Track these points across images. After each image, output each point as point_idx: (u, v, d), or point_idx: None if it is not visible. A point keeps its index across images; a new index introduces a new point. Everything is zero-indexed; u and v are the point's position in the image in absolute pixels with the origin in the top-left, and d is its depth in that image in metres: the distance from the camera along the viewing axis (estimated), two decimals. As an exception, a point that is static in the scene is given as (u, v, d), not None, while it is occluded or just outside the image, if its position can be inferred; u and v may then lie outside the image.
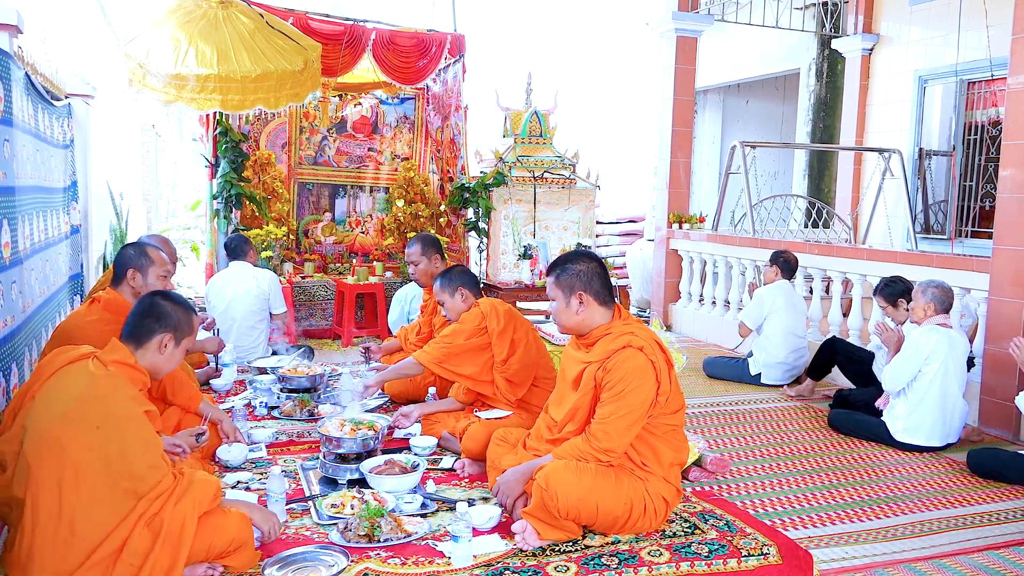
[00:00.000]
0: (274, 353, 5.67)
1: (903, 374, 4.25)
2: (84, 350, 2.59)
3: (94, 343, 2.91)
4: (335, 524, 2.95)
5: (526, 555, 2.80)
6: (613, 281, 7.34)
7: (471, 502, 3.18)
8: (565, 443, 2.98)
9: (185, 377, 3.80)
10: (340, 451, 3.46)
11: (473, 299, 4.12)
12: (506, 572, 2.69)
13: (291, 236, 7.43)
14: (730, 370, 5.81)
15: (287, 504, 3.14)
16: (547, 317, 7.84)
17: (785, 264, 5.72)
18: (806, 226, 8.95)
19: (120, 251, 3.69)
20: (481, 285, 4.40)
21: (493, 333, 3.93)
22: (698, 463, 3.76)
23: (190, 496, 2.44)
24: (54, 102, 4.85)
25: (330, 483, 3.44)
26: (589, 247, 7.69)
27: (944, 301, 4.35)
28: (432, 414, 4.10)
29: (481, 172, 7.72)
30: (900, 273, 5.43)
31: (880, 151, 8.26)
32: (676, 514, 3.20)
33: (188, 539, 2.40)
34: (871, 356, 5.00)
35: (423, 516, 3.10)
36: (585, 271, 3.02)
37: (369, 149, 7.86)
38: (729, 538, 2.99)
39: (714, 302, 7.49)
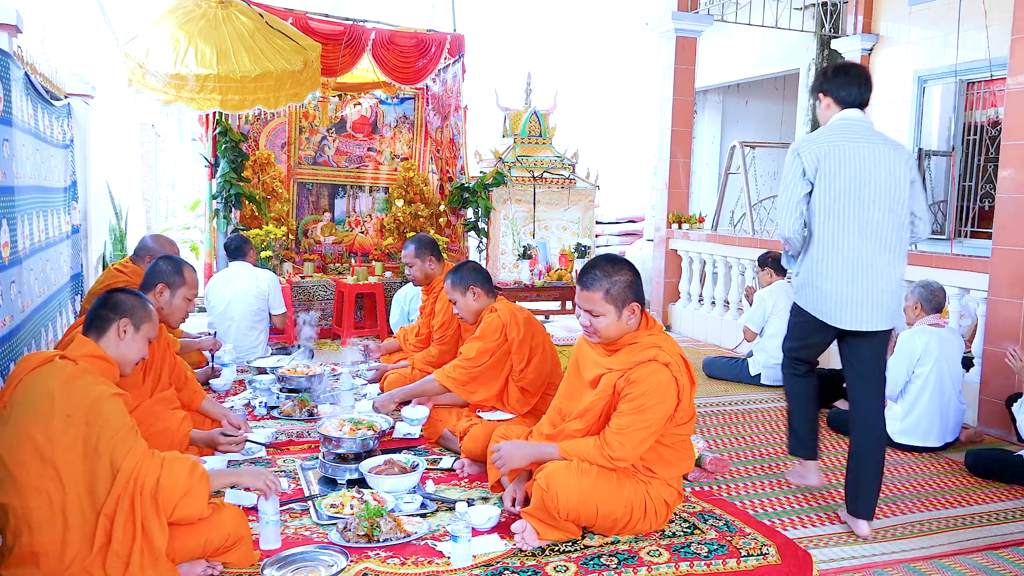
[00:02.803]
0: (278, 351, 5.66)
1: (897, 376, 4.24)
2: (49, 353, 2.57)
3: None
4: (334, 524, 2.95)
5: (525, 555, 2.80)
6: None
7: (470, 502, 3.18)
8: (575, 441, 2.92)
9: (190, 373, 3.79)
10: (339, 451, 3.46)
11: (486, 298, 3.99)
12: (505, 572, 2.69)
13: (290, 236, 7.43)
14: (730, 370, 5.81)
15: (286, 505, 3.14)
16: (547, 317, 7.85)
17: (775, 264, 5.70)
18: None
19: (156, 262, 3.62)
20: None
21: (514, 342, 3.82)
22: (698, 463, 3.75)
23: (166, 468, 2.41)
24: (53, 102, 4.85)
25: (329, 483, 3.44)
26: (588, 247, 7.69)
27: (931, 300, 4.34)
28: (433, 413, 4.07)
29: (481, 172, 7.72)
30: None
31: (880, 151, 8.25)
32: (676, 514, 3.20)
33: (168, 506, 2.37)
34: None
35: (422, 516, 3.10)
36: (634, 281, 2.90)
37: (369, 149, 7.86)
38: (728, 538, 2.99)
39: (713, 302, 7.49)
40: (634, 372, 2.82)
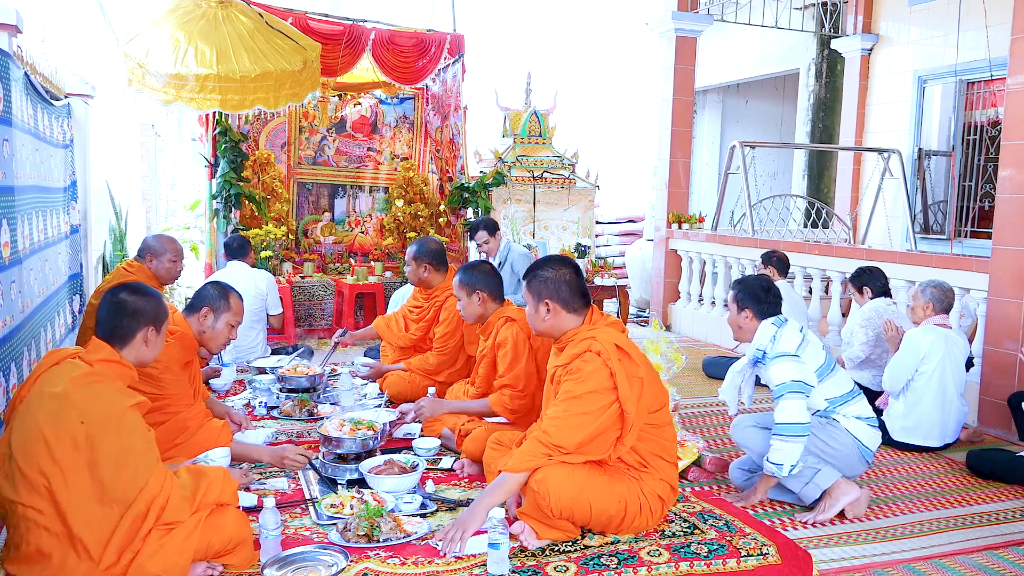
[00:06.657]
0: (277, 351, 5.65)
1: (901, 373, 4.25)
2: (70, 350, 2.57)
3: (167, 369, 3.22)
4: (334, 524, 2.95)
5: (526, 555, 2.80)
6: (612, 281, 7.35)
7: (470, 502, 3.18)
8: (516, 451, 2.90)
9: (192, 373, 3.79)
10: (339, 451, 3.47)
11: (492, 303, 3.90)
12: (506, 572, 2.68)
13: (290, 236, 7.43)
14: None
15: (286, 505, 3.13)
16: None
17: (779, 263, 5.70)
18: (805, 226, 8.95)
19: (204, 286, 3.65)
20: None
21: (539, 350, 3.75)
22: (698, 463, 3.75)
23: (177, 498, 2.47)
24: (53, 102, 4.85)
25: (330, 483, 3.44)
26: (588, 247, 7.69)
27: (943, 301, 4.35)
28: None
29: (480, 172, 7.73)
30: (901, 273, 5.43)
31: (879, 151, 8.27)
32: (675, 514, 3.20)
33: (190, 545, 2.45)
34: None
35: (422, 516, 3.10)
36: (553, 279, 3.00)
37: (368, 149, 7.86)
38: (728, 538, 2.99)
39: (713, 302, 7.49)
40: (572, 364, 2.91)
